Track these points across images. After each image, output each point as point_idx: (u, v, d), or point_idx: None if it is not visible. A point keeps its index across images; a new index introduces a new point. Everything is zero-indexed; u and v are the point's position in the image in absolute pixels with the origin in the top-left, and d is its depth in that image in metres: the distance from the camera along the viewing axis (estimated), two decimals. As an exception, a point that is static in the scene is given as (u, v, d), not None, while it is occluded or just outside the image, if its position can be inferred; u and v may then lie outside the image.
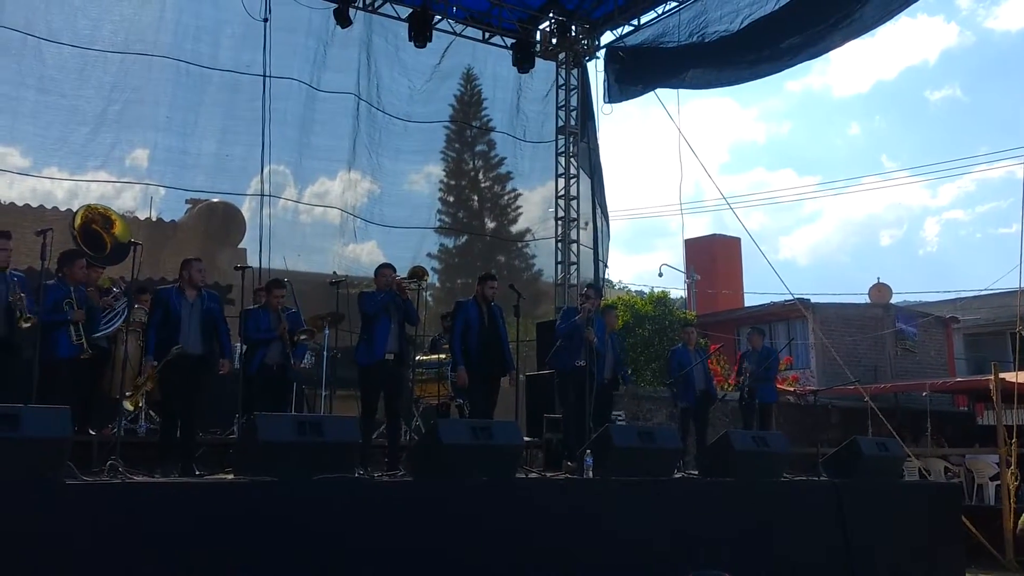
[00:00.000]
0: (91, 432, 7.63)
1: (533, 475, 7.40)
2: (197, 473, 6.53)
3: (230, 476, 5.87)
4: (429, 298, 12.74)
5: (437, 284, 14.65)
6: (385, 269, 8.22)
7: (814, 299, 21.91)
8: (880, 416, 12.66)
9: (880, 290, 24.98)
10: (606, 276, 15.73)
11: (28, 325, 6.46)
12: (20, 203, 10.96)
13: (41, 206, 11.01)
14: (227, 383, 8.11)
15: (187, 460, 6.86)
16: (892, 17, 11.28)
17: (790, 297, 16.42)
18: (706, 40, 12.46)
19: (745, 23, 11.98)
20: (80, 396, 7.12)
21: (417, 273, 8.47)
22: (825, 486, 7.82)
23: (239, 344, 8.91)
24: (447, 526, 5.66)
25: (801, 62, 12.15)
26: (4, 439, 4.65)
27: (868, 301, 24.65)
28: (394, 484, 6.10)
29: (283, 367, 7.88)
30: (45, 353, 6.65)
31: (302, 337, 8.27)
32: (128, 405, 7.50)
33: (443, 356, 10.07)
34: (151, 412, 8.77)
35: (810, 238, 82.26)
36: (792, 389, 17.09)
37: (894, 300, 24.96)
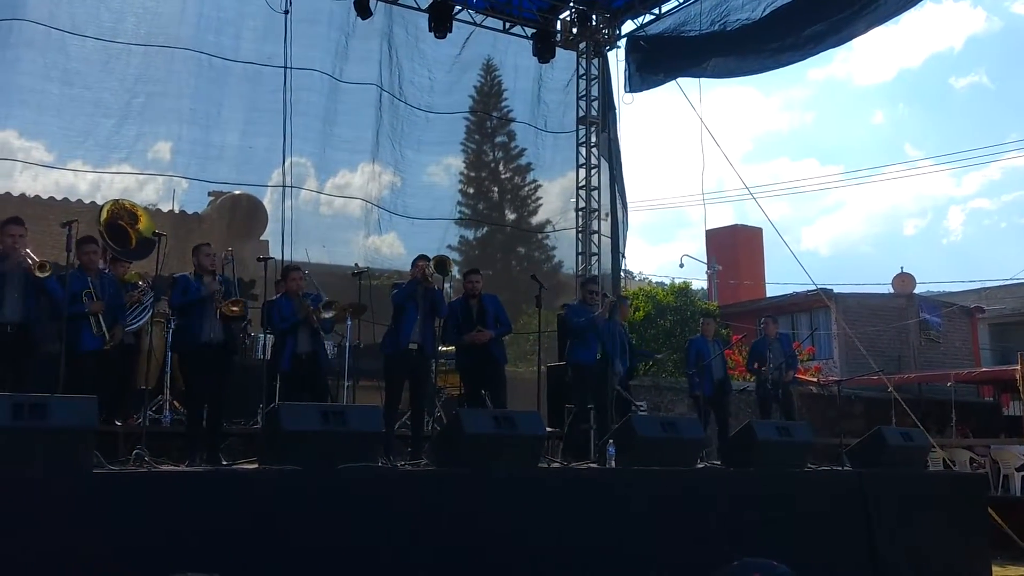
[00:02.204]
0: (117, 423, 7.70)
1: (555, 465, 7.41)
2: (224, 463, 6.53)
3: (255, 465, 5.92)
4: (450, 290, 12.76)
5: (457, 276, 14.65)
6: (419, 260, 8.26)
7: (837, 289, 21.82)
8: (904, 406, 12.57)
9: (904, 280, 24.79)
10: (624, 267, 15.69)
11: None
12: (45, 196, 11.06)
13: (66, 199, 11.10)
14: (256, 376, 8.16)
15: (213, 449, 6.89)
16: (916, 3, 11.18)
17: (813, 287, 16.34)
18: (728, 29, 12.36)
19: (767, 11, 11.88)
20: (108, 389, 7.12)
21: (442, 262, 8.47)
22: (849, 476, 7.79)
23: (262, 335, 8.97)
24: (470, 515, 5.68)
25: (825, 50, 12.04)
26: (32, 428, 4.71)
27: (892, 291, 24.48)
28: (417, 473, 6.13)
29: (314, 356, 7.83)
30: (69, 346, 6.70)
31: (326, 313, 8.19)
32: None
33: (465, 348, 10.09)
34: (175, 403, 8.85)
35: (833, 228, 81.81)
36: (815, 379, 16.99)
37: (918, 290, 24.80)
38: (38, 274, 6.48)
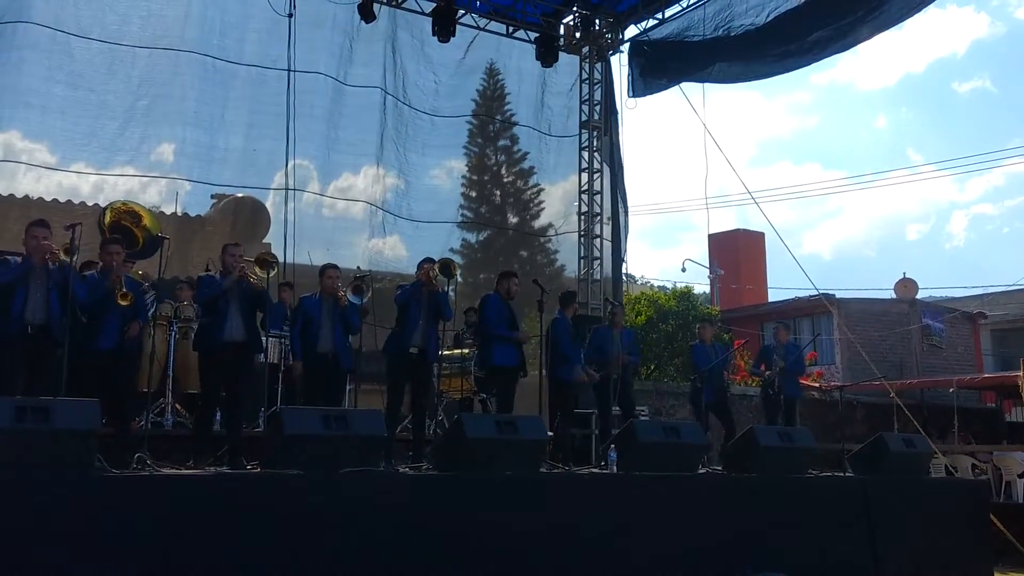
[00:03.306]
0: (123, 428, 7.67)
1: (557, 470, 7.40)
2: (248, 466, 6.41)
3: (256, 470, 5.92)
4: (452, 293, 12.75)
5: (460, 279, 14.64)
6: (424, 263, 8.23)
7: (839, 294, 21.79)
8: (906, 412, 12.55)
9: (906, 285, 24.71)
10: (625, 271, 15.68)
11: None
12: (48, 198, 11.07)
13: (69, 201, 11.12)
14: (258, 379, 8.14)
15: (235, 453, 6.81)
16: (920, 9, 11.14)
17: (815, 292, 16.30)
18: (732, 34, 12.34)
19: (771, 16, 11.86)
20: (120, 390, 6.98)
21: (447, 265, 8.45)
22: (851, 482, 7.78)
23: (264, 338, 8.94)
24: (472, 519, 5.67)
25: (829, 56, 12.00)
26: (34, 431, 4.71)
27: (894, 296, 24.44)
28: (420, 478, 6.12)
29: (337, 357, 7.76)
30: (86, 344, 6.73)
31: (354, 298, 8.09)
32: None
33: (466, 351, 10.09)
34: (177, 406, 8.85)
35: (835, 233, 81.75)
36: (817, 385, 16.98)
37: (920, 295, 24.73)
38: (63, 257, 6.50)
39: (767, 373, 10.97)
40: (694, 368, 10.65)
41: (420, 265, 8.23)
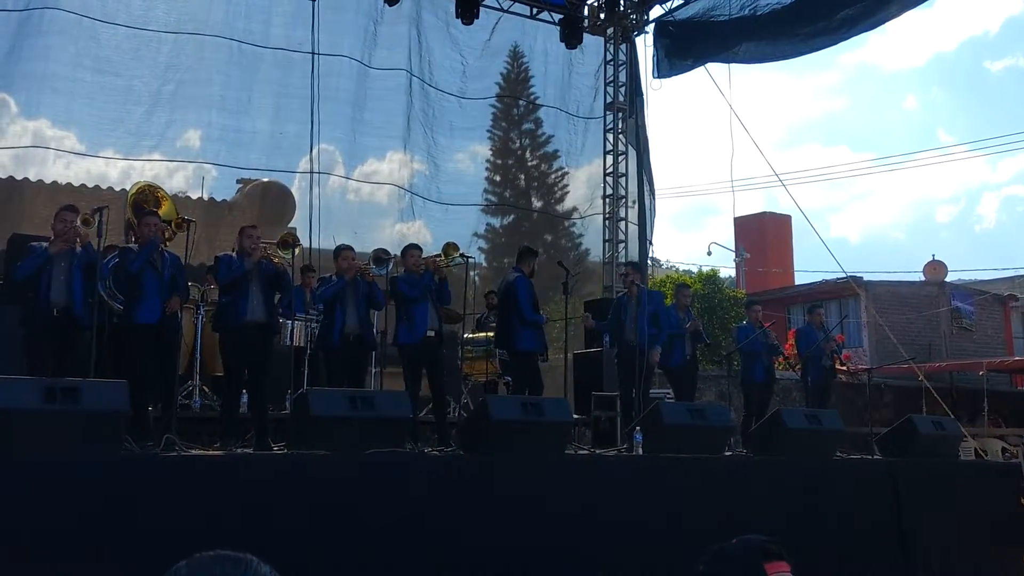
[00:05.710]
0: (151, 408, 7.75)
1: (583, 452, 7.41)
2: (275, 448, 6.43)
3: (283, 451, 5.96)
4: (476, 278, 12.73)
5: (484, 264, 14.63)
6: (413, 250, 8.18)
7: (867, 277, 21.61)
8: (935, 395, 12.44)
9: (935, 267, 24.47)
10: (651, 255, 15.60)
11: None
12: (76, 184, 11.16)
13: (97, 187, 11.21)
14: (284, 361, 8.17)
15: (262, 434, 6.83)
16: (951, -14, 10.98)
17: (842, 275, 16.17)
18: (758, 13, 12.20)
19: (798, -6, 11.73)
20: (159, 367, 6.97)
21: (450, 248, 8.43)
22: (879, 465, 7.73)
23: (290, 321, 8.99)
24: (497, 501, 5.68)
25: (857, 34, 11.85)
26: (63, 412, 4.76)
27: (923, 279, 24.20)
28: (445, 459, 6.14)
29: (360, 338, 7.76)
30: (127, 319, 6.84)
31: (378, 269, 8.10)
32: None
33: (490, 334, 10.10)
34: (205, 388, 8.92)
35: (863, 215, 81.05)
36: (845, 368, 16.84)
37: (950, 278, 24.48)
38: (83, 229, 6.57)
39: (826, 353, 10.82)
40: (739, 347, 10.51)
41: (409, 252, 8.13)
